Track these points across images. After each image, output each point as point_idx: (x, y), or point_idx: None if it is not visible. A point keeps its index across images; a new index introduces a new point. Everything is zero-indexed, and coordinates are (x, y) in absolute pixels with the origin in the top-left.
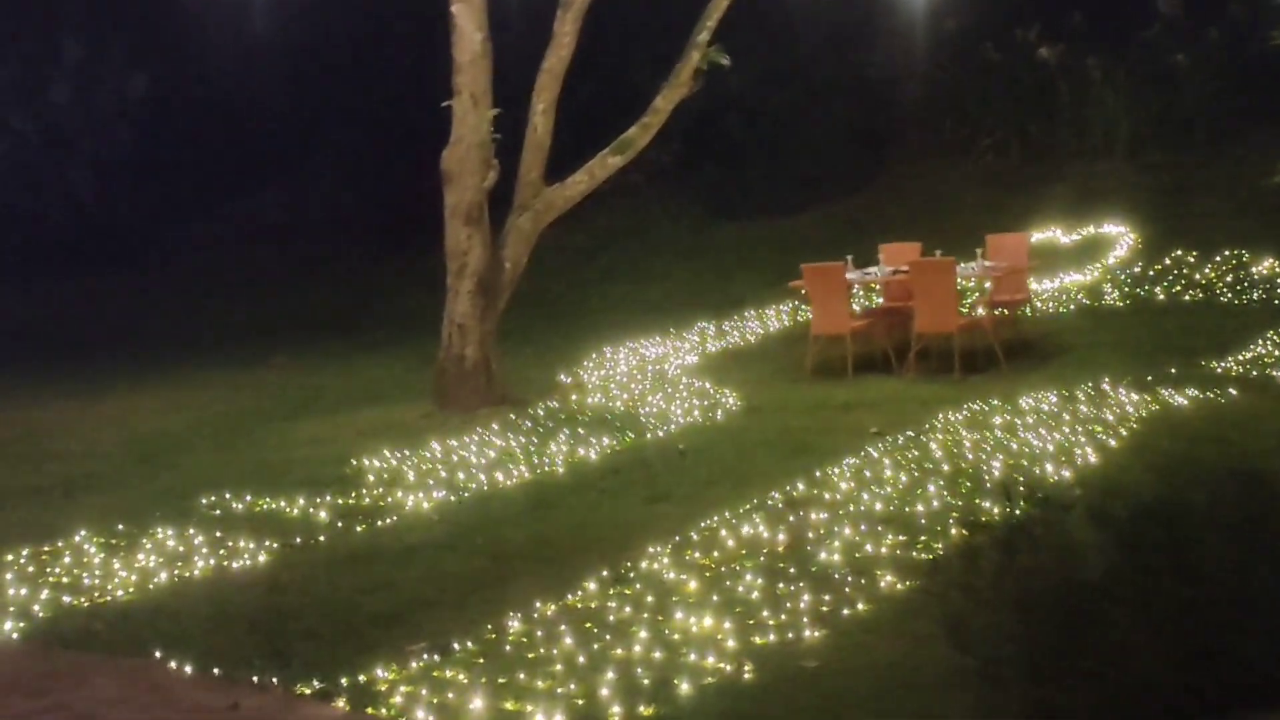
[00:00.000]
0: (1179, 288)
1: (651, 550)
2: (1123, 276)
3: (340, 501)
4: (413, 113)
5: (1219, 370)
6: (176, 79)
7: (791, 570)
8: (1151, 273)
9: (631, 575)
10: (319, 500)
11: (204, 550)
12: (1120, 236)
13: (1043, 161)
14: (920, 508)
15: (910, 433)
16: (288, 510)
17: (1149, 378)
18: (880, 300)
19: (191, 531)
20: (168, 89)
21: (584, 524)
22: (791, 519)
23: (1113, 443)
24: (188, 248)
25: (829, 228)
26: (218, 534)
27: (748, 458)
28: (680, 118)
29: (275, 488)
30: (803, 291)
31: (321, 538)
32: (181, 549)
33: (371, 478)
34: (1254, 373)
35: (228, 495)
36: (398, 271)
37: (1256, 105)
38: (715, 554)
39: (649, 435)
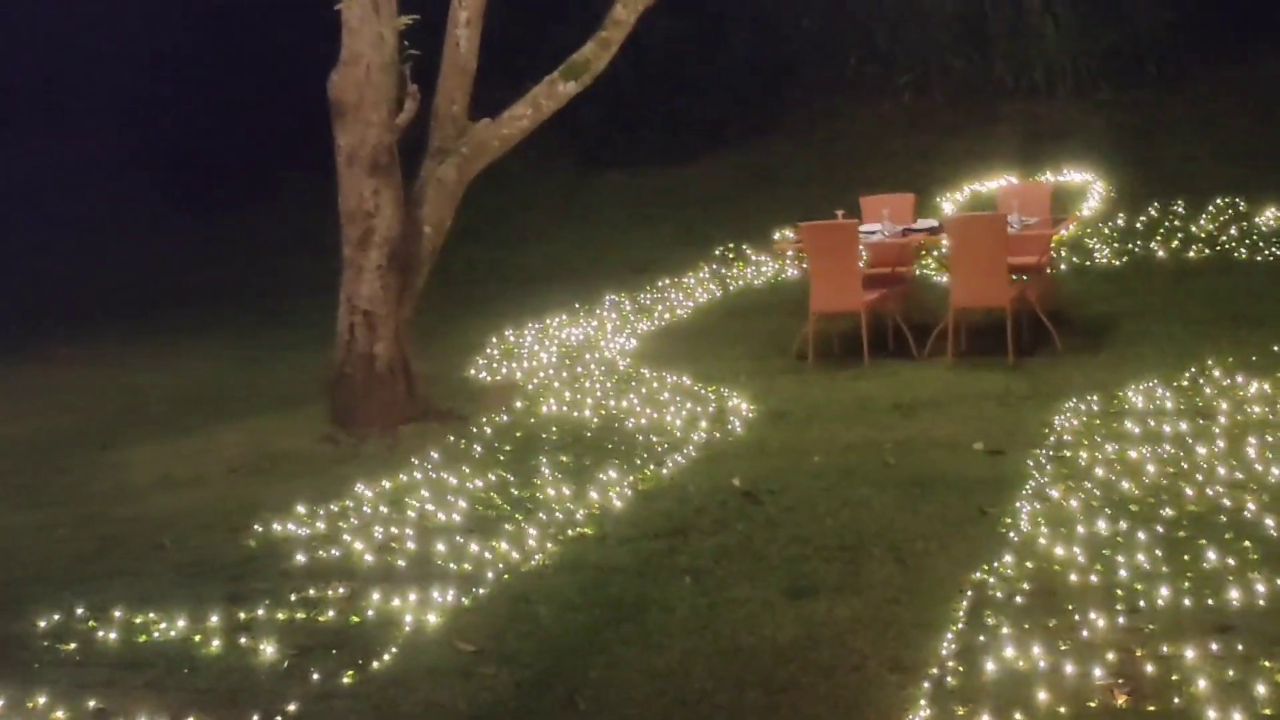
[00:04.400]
0: (1177, 242)
1: None
2: (1107, 231)
3: (273, 615)
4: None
5: None
6: None
7: None
8: (1139, 226)
9: None
10: (232, 615)
11: None
12: (1088, 186)
13: (972, 101)
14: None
15: (1048, 452)
16: (182, 641)
17: (1254, 358)
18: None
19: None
20: None
21: (724, 646)
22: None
23: None
24: None
25: (734, 178)
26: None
27: (857, 507)
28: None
29: (143, 588)
30: (789, 255)
31: None
32: None
33: (300, 558)
34: None
35: (73, 611)
36: (199, 234)
37: (1213, 39)
38: None
39: (669, 464)
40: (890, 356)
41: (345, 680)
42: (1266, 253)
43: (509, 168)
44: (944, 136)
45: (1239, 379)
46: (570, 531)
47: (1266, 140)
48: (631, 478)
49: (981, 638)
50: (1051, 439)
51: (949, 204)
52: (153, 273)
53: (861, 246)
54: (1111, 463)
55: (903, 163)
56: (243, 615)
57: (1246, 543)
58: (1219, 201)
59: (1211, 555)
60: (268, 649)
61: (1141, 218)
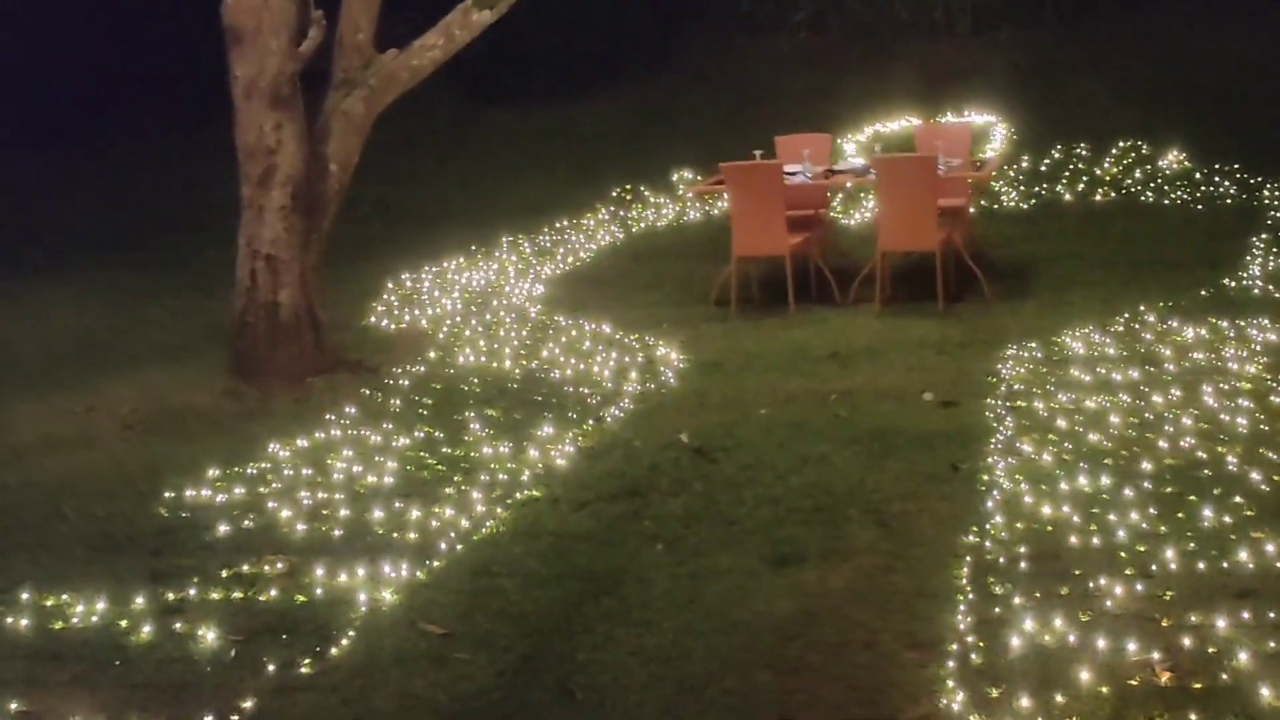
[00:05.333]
0: (1083, 186)
1: None
2: (1012, 174)
3: (206, 595)
4: None
5: (1252, 291)
6: None
7: None
8: (1044, 169)
9: None
10: (159, 596)
11: None
12: (990, 127)
13: (870, 40)
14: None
15: (1002, 402)
16: (106, 627)
17: (1183, 302)
18: None
19: None
20: None
21: (717, 623)
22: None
23: None
24: None
25: (628, 116)
26: None
27: (820, 464)
28: None
29: (49, 565)
30: (707, 199)
31: None
32: None
33: (223, 528)
34: None
35: None
36: (51, 171)
37: None
38: None
39: (606, 418)
40: (814, 303)
41: (303, 670)
42: (1173, 196)
43: (394, 104)
44: (842, 75)
45: (1174, 324)
46: (519, 494)
47: (1167, 83)
48: (571, 434)
49: (996, 609)
50: (1002, 389)
51: (850, 145)
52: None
53: None
54: (1071, 413)
55: (800, 101)
56: (171, 596)
57: (1238, 498)
58: (1122, 144)
59: (1207, 513)
60: (208, 635)
61: (1046, 160)
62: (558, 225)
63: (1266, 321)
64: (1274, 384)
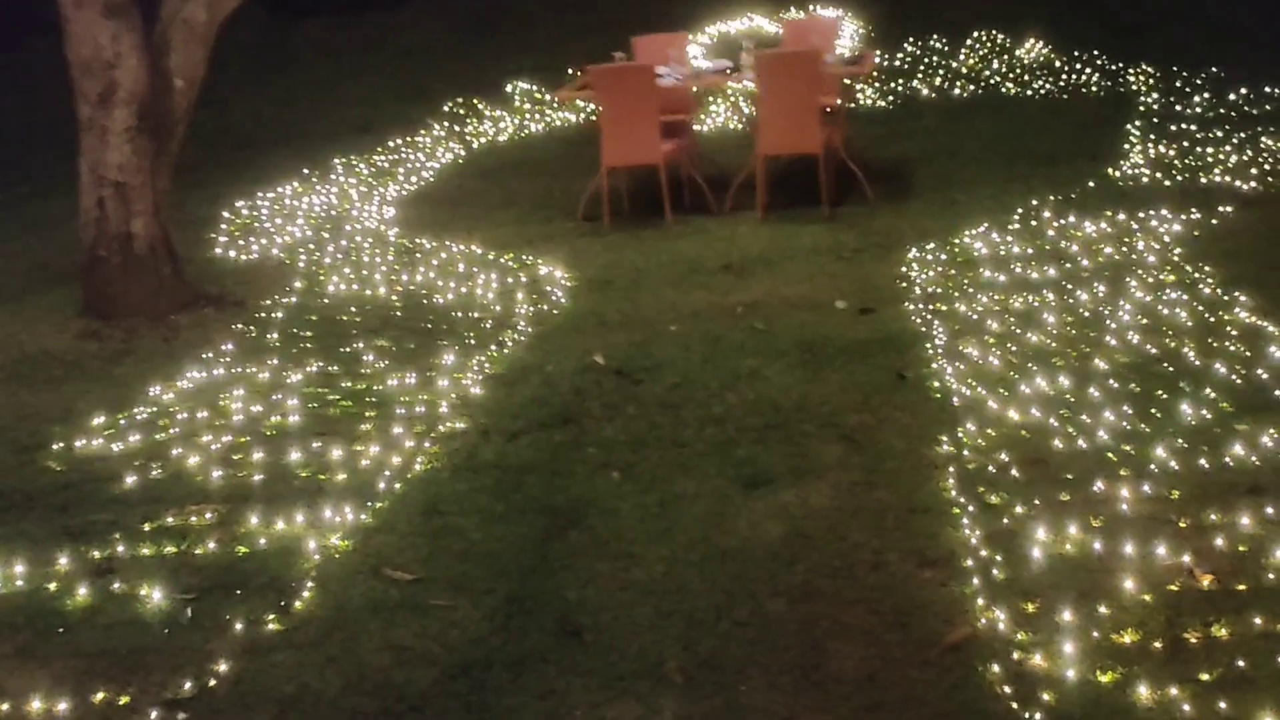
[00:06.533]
0: (940, 80)
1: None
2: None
3: (136, 552)
4: None
5: (1141, 180)
6: None
7: None
8: (899, 64)
9: None
10: (84, 555)
11: None
12: (838, 22)
13: None
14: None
15: (922, 305)
16: (34, 592)
17: (1074, 195)
18: None
19: None
20: None
21: (704, 551)
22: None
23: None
24: None
25: (450, 25)
26: None
27: (754, 380)
28: None
29: None
30: (578, 105)
31: None
32: None
33: (130, 480)
34: (1187, 179)
35: None
36: None
37: None
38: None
39: (507, 343)
40: (689, 213)
41: (272, 627)
42: (1035, 86)
43: None
44: None
45: (1072, 219)
46: (441, 427)
47: None
48: (476, 360)
49: (1004, 520)
50: (916, 292)
51: (695, 47)
52: None
53: None
54: (1000, 314)
55: (633, 3)
56: (97, 554)
57: (1210, 392)
58: (978, 34)
59: (1186, 409)
60: (152, 594)
61: (900, 55)
62: (391, 144)
63: (1167, 213)
64: (1198, 275)
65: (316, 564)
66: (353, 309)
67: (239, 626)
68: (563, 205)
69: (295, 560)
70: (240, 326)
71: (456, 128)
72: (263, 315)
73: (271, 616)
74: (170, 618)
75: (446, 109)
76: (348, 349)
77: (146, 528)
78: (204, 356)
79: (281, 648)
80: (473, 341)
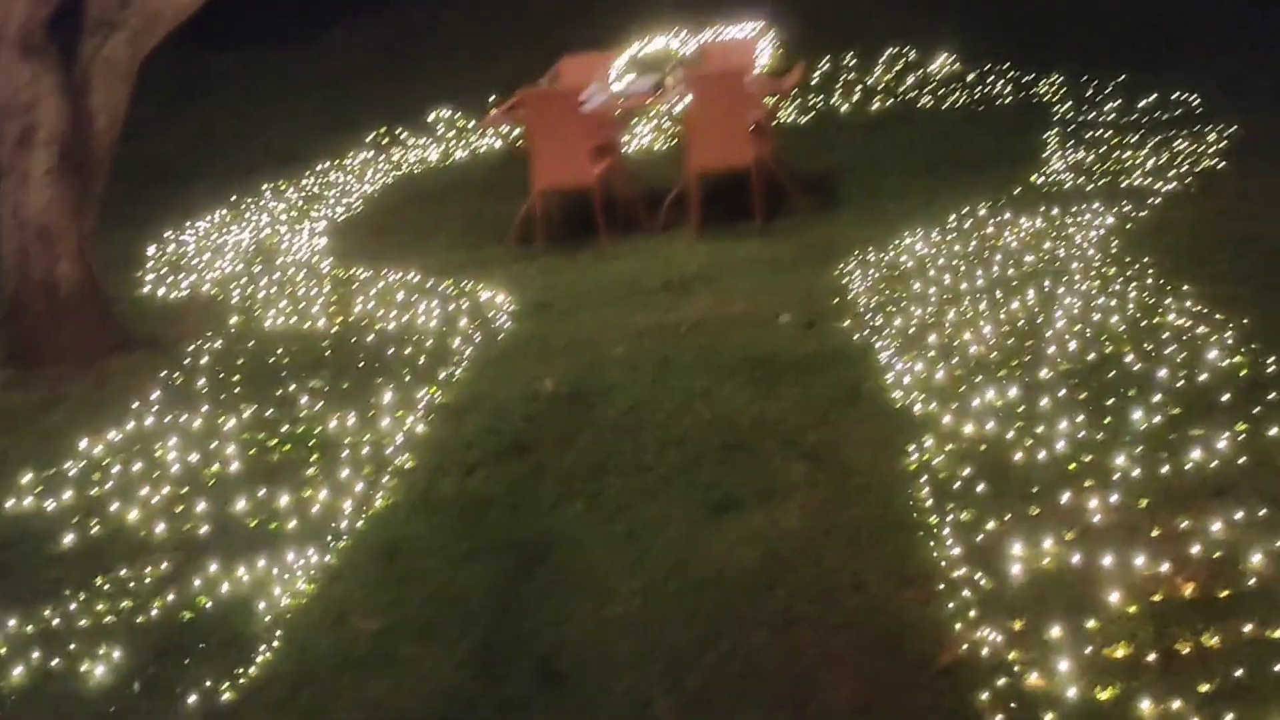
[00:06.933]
0: (857, 96)
1: None
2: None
3: (88, 616)
4: None
5: (1064, 185)
6: None
7: None
8: (815, 80)
9: None
10: (27, 621)
11: None
12: (755, 41)
13: None
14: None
15: (867, 317)
16: None
17: (1001, 200)
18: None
19: None
20: None
21: (679, 582)
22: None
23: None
24: None
25: (369, 54)
26: None
27: (708, 400)
28: None
29: None
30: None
31: None
32: None
33: (69, 539)
34: (1108, 182)
35: None
36: None
37: None
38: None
39: (453, 374)
40: (623, 232)
41: (230, 695)
42: (950, 99)
43: None
44: None
45: (1006, 217)
46: (394, 464)
47: None
48: (422, 393)
49: (977, 537)
50: (861, 304)
51: (619, 67)
52: None
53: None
54: (945, 326)
55: (550, 23)
56: (47, 613)
57: (1158, 396)
58: (890, 51)
59: (1137, 415)
60: (95, 668)
61: (817, 72)
62: (317, 174)
63: (1095, 210)
64: (1134, 273)
65: (275, 618)
66: (293, 346)
67: (194, 697)
68: (494, 229)
69: (252, 616)
70: (168, 373)
71: (380, 157)
72: (192, 359)
73: (231, 680)
74: (116, 691)
75: (369, 139)
76: (279, 391)
77: (90, 588)
78: (134, 405)
79: (246, 713)
80: (418, 371)
